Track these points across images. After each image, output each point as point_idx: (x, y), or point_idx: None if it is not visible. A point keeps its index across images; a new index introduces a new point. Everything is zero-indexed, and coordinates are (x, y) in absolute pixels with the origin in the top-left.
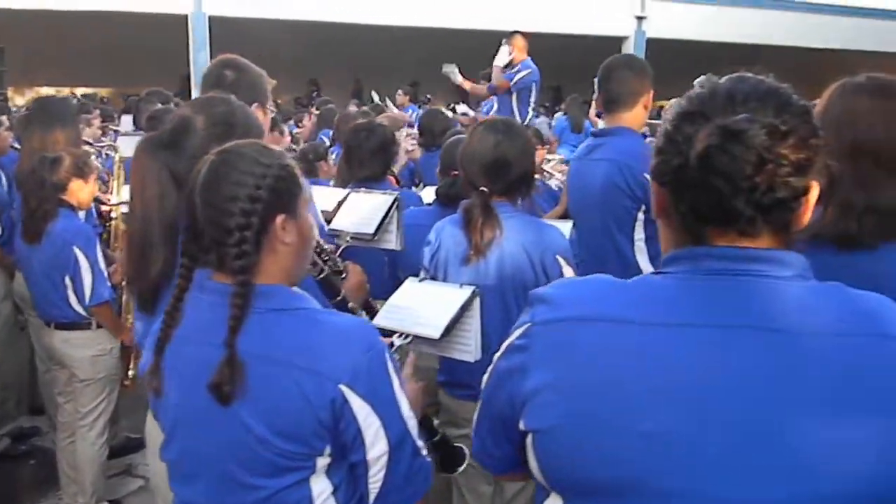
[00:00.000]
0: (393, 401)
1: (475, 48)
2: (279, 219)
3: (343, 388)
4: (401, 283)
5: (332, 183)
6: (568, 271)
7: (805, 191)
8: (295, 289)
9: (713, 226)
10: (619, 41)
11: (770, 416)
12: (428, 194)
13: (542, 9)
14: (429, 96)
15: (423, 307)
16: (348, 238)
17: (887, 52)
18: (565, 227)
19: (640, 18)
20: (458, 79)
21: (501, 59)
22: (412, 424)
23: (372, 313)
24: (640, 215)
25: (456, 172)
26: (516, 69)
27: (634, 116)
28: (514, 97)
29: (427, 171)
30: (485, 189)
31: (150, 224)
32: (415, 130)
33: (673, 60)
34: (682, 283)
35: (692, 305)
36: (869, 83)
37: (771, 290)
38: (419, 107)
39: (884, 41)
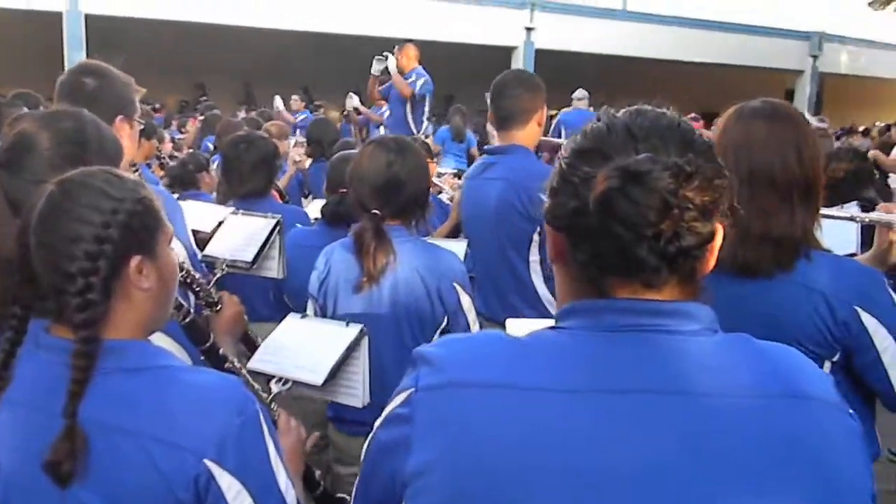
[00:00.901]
0: (268, 473)
1: (367, 54)
2: (134, 261)
3: (208, 463)
4: (287, 306)
5: (214, 196)
6: (465, 299)
7: (711, 236)
8: (160, 335)
9: (615, 276)
10: (509, 51)
11: (683, 497)
12: (316, 209)
13: (435, 17)
14: (319, 103)
15: (304, 348)
16: (224, 266)
17: (764, 67)
18: (460, 247)
19: (529, 30)
20: (356, 102)
21: (392, 66)
22: (290, 498)
23: (251, 347)
24: (536, 237)
25: (344, 190)
26: (411, 77)
27: (528, 134)
28: (408, 107)
29: (316, 183)
30: (377, 212)
31: None
32: (303, 139)
33: (560, 71)
34: (581, 342)
35: (592, 368)
36: (764, 108)
37: (678, 349)
38: (312, 112)
39: (761, 56)
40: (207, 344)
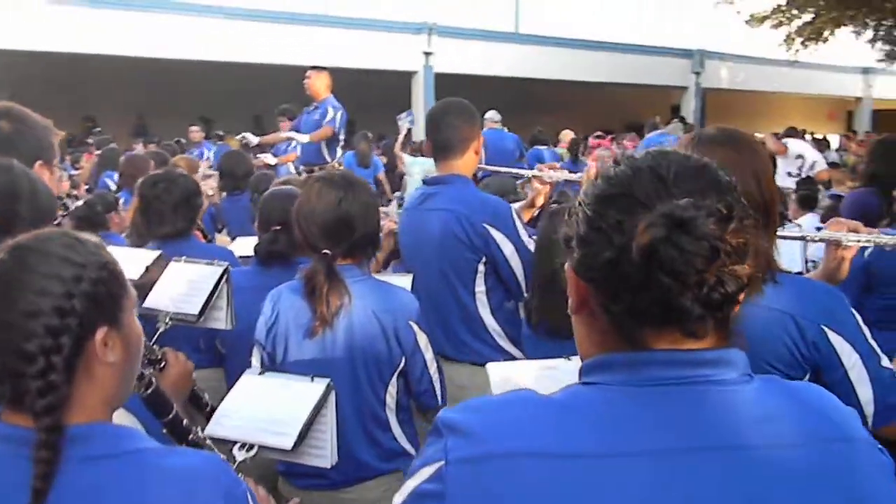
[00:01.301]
0: None
1: (265, 82)
2: (100, 333)
3: None
4: (220, 353)
5: (124, 236)
6: (422, 337)
7: (750, 279)
8: (123, 412)
9: (652, 326)
10: (409, 76)
11: None
12: (240, 246)
13: (333, 44)
14: (220, 133)
15: (268, 409)
16: (168, 320)
17: (651, 84)
18: (405, 281)
19: (427, 54)
20: (254, 140)
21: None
22: None
23: (200, 406)
24: (481, 267)
25: (278, 228)
26: (324, 109)
27: (466, 162)
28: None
29: (231, 217)
30: (328, 252)
31: None
32: (212, 171)
33: (460, 94)
34: (623, 400)
35: (640, 428)
36: (721, 135)
37: (724, 401)
38: (214, 143)
39: (648, 74)
40: (170, 415)
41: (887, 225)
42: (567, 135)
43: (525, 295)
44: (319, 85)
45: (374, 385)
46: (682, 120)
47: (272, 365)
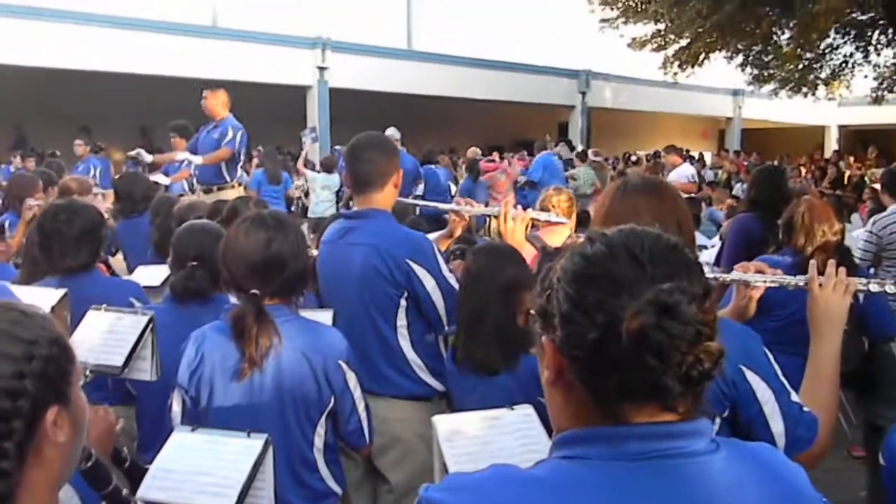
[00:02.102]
0: None
1: (153, 94)
2: (50, 413)
3: None
4: (128, 391)
5: (12, 264)
6: (351, 377)
7: (721, 353)
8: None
9: (634, 401)
10: (303, 90)
11: None
12: (142, 276)
13: (226, 57)
14: (101, 144)
15: (204, 468)
16: (88, 372)
17: (540, 103)
18: (326, 317)
19: (321, 69)
20: (148, 158)
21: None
22: None
23: (119, 461)
24: (403, 301)
25: (194, 263)
26: (224, 129)
27: (385, 196)
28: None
29: (128, 242)
30: (256, 292)
31: None
32: (99, 189)
33: (354, 110)
34: (604, 476)
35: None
36: (646, 184)
37: (699, 472)
38: (98, 158)
39: (537, 93)
40: (111, 487)
41: (773, 252)
42: (474, 152)
43: (446, 328)
44: (217, 104)
45: (303, 427)
46: (569, 143)
47: (195, 409)
